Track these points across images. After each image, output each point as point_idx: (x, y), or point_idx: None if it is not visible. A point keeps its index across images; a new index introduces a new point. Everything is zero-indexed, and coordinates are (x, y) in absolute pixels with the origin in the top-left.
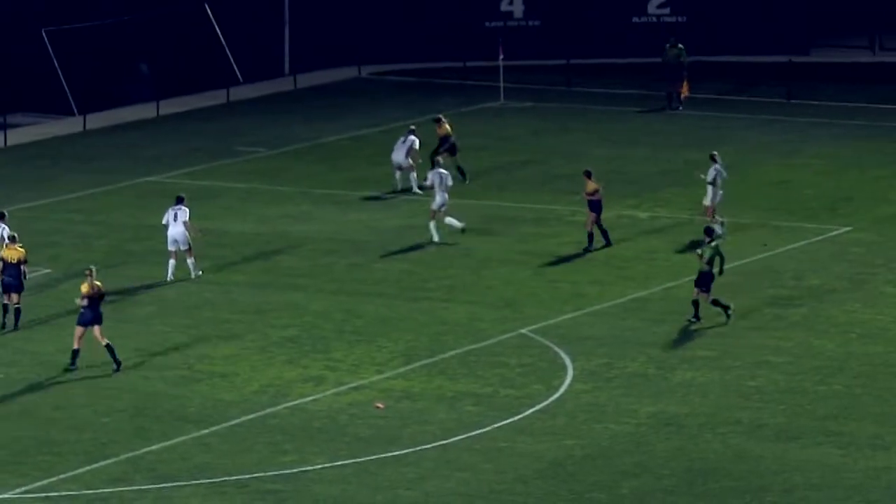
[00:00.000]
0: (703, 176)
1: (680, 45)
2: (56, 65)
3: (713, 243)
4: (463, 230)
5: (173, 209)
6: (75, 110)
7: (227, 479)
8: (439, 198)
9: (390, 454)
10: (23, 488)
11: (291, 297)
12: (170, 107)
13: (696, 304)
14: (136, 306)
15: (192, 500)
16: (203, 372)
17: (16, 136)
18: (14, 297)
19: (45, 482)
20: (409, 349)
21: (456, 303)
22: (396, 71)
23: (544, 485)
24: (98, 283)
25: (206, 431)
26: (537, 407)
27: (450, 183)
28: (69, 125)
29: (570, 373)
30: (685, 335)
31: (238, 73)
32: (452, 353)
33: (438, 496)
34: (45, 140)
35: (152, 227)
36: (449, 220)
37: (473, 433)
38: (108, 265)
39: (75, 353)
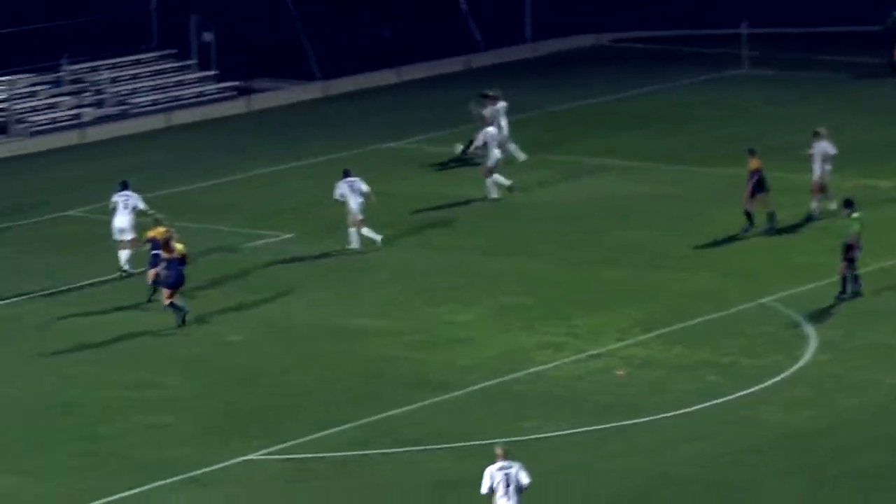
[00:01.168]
0: (808, 151)
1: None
2: (300, 30)
3: (855, 215)
4: (509, 187)
5: (346, 182)
6: (318, 75)
7: (467, 444)
8: (494, 155)
9: (630, 422)
10: (266, 450)
11: (529, 263)
12: (410, 73)
13: (844, 279)
14: (370, 272)
15: (434, 464)
16: (442, 337)
17: (260, 101)
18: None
19: (288, 444)
20: (649, 317)
21: (695, 271)
22: (637, 38)
23: (783, 455)
24: (180, 245)
25: (447, 396)
26: (778, 377)
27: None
28: (312, 90)
29: (812, 343)
30: None
31: (479, 40)
32: (693, 321)
33: (676, 465)
34: (288, 105)
35: (387, 194)
36: (497, 177)
37: (713, 402)
38: (342, 229)
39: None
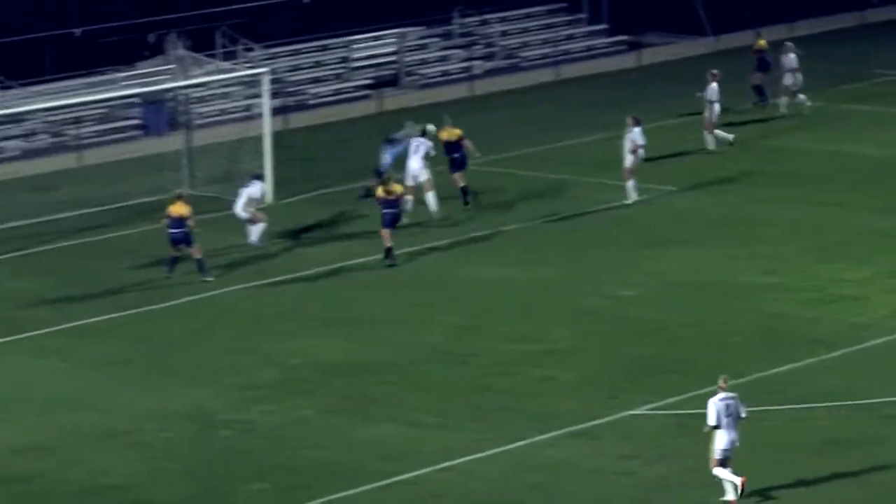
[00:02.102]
0: None
1: None
2: None
3: None
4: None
5: (634, 130)
6: (709, 31)
7: (856, 402)
8: (715, 110)
9: None
10: (651, 405)
11: None
12: (804, 28)
13: None
14: (760, 228)
15: (821, 423)
16: (834, 295)
17: (650, 56)
18: None
19: (672, 399)
20: None
21: None
22: None
23: None
24: (398, 187)
25: (836, 354)
26: None
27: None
28: (702, 45)
29: None
30: None
31: None
32: None
33: None
34: (678, 60)
35: (778, 149)
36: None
37: None
38: (737, 182)
39: (387, 250)
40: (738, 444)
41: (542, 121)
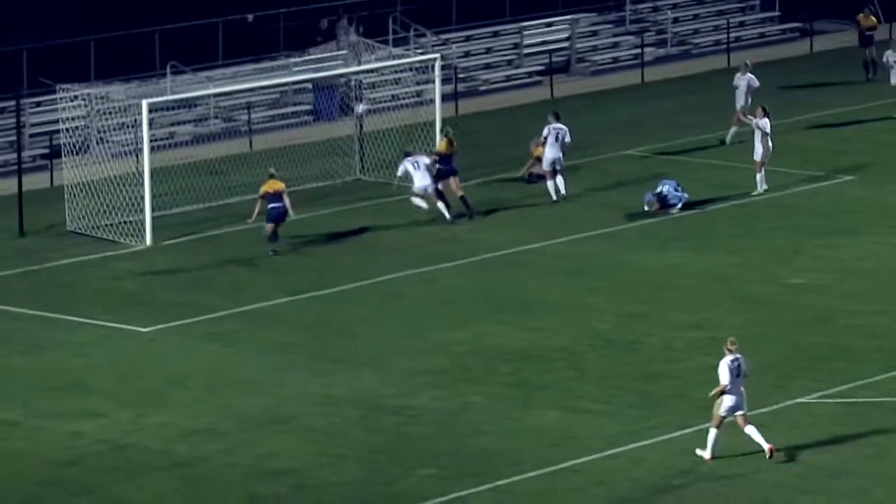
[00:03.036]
0: None
1: None
2: None
3: None
4: None
5: (763, 120)
6: (881, 18)
7: None
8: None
9: None
10: (820, 393)
11: None
12: None
13: None
14: None
15: None
16: None
17: (821, 43)
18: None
19: (842, 388)
20: None
21: None
22: None
23: None
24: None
25: None
26: None
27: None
28: (875, 33)
29: None
30: None
31: None
32: None
33: None
34: (851, 47)
35: None
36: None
37: None
38: None
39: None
40: (745, 396)
41: (712, 108)
